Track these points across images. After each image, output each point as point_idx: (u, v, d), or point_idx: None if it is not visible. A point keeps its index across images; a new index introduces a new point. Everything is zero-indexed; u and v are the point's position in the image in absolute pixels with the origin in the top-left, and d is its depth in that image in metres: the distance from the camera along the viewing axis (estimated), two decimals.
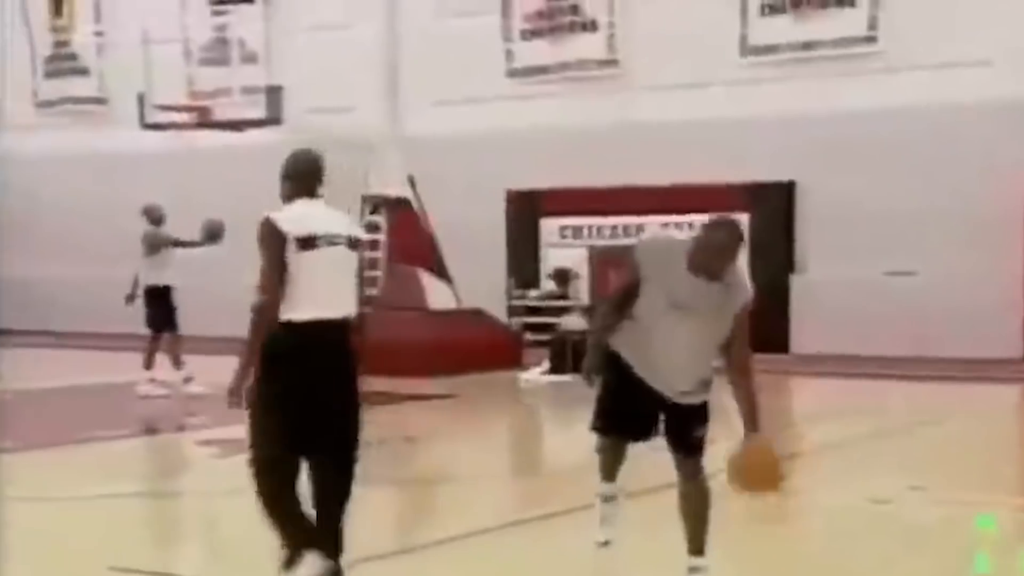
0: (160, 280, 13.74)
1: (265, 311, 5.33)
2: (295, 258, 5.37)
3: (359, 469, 5.61)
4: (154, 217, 13.91)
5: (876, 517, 7.67)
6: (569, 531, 7.16)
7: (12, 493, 7.84)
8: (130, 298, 13.81)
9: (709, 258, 5.65)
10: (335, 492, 5.52)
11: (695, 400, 5.79)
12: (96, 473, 9.23)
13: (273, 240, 5.37)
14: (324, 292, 5.42)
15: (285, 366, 5.33)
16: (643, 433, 5.95)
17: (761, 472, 5.63)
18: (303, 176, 5.70)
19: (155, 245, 13.67)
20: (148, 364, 13.66)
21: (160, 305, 13.72)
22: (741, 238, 5.77)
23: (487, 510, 8.03)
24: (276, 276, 5.33)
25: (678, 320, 5.65)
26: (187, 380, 13.55)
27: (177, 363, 13.71)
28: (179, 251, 13.79)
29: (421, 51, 20.55)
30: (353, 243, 5.66)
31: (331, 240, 5.52)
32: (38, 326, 22.17)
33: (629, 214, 19.03)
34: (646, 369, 5.80)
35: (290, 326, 5.34)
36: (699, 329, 5.67)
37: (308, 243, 5.41)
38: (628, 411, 5.90)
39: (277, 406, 5.36)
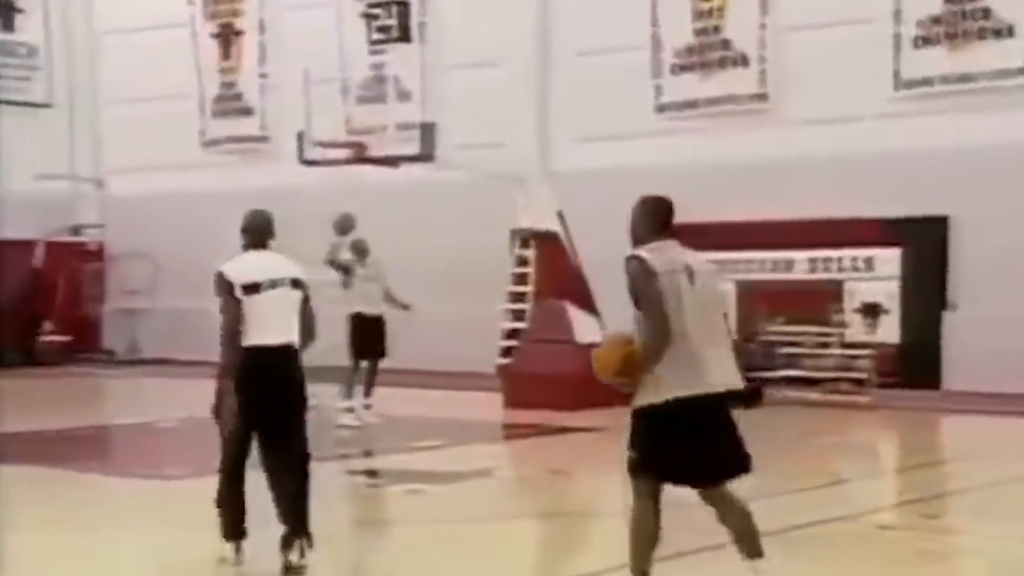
0: (351, 308, 13.90)
1: (229, 340, 6.75)
2: (243, 300, 6.77)
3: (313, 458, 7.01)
4: (343, 227, 13.99)
5: None
6: (715, 567, 7.02)
7: (160, 520, 8.02)
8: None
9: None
10: (288, 473, 6.86)
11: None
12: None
13: (222, 287, 6.82)
14: (266, 324, 6.77)
15: (240, 381, 6.74)
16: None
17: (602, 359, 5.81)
18: (255, 231, 7.10)
19: (331, 260, 13.76)
20: (355, 392, 13.83)
21: (352, 333, 13.85)
22: (642, 209, 6.05)
23: None
24: (233, 315, 6.75)
25: None
26: (366, 407, 13.76)
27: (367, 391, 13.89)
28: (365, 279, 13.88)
29: (570, 87, 20.65)
30: (295, 283, 6.98)
31: (273, 284, 6.87)
32: (204, 357, 22.69)
33: (778, 249, 18.75)
34: None
35: (242, 351, 6.76)
36: None
37: (251, 288, 6.81)
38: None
39: (238, 411, 6.74)
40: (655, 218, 5.99)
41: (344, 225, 14.00)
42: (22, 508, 9.19)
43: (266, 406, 6.82)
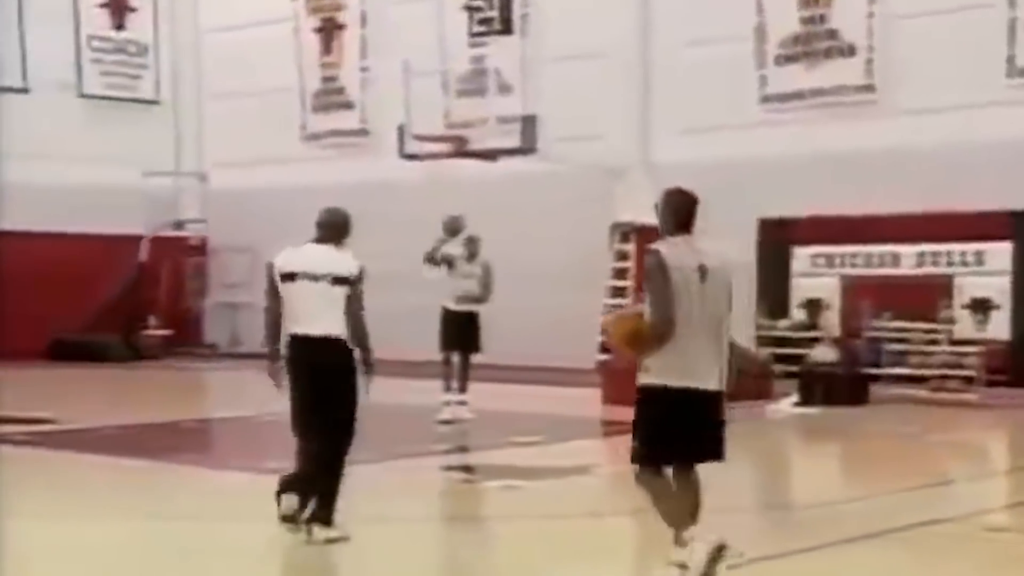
0: (444, 302, 14.02)
1: (267, 327, 7.55)
2: (282, 287, 7.38)
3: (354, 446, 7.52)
4: (452, 229, 14.07)
5: None
6: (813, 570, 6.93)
7: (257, 513, 8.11)
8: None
9: None
10: (323, 458, 7.39)
11: None
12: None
13: (268, 276, 7.45)
14: (302, 314, 7.31)
15: (287, 364, 7.44)
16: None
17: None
18: (326, 227, 7.49)
19: (431, 257, 13.84)
20: (451, 386, 13.97)
21: (440, 327, 13.99)
22: (665, 202, 6.39)
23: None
24: (269, 304, 7.47)
25: None
26: (461, 403, 13.83)
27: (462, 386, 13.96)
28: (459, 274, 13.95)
29: (672, 78, 20.50)
30: (337, 280, 7.35)
31: (311, 276, 7.32)
32: None
33: (884, 243, 18.45)
34: None
35: (288, 337, 7.42)
36: None
37: (288, 277, 7.37)
38: None
39: (290, 390, 7.48)
40: (677, 214, 6.30)
41: (453, 227, 14.06)
42: (120, 498, 9.41)
43: (303, 392, 7.37)
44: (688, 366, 6.13)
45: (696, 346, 6.15)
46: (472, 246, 14.06)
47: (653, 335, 6.09)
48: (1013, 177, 17.30)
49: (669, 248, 6.21)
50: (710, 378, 6.22)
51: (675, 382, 6.13)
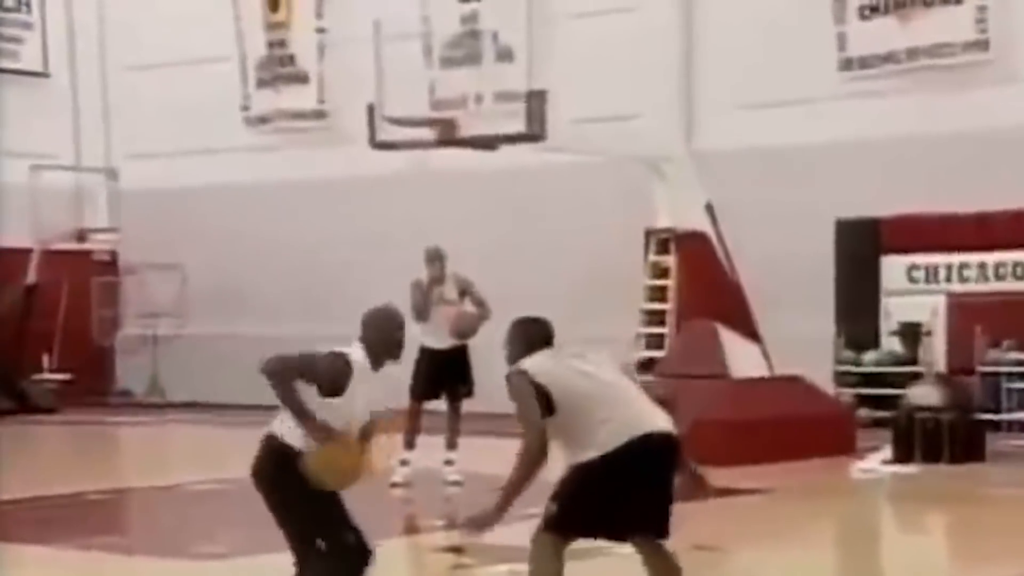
0: (423, 340, 14.08)
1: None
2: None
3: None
4: (435, 265, 14.17)
5: None
6: None
7: None
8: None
9: None
10: None
11: None
12: None
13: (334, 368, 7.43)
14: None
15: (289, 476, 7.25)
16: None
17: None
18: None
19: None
20: (415, 441, 14.16)
21: (416, 370, 14.10)
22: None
23: None
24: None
25: None
26: (447, 463, 13.96)
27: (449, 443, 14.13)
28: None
29: (724, 40, 20.60)
30: None
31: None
32: (245, 400, 22.96)
33: (1006, 249, 18.51)
34: None
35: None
36: None
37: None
38: None
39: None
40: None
41: (440, 266, 14.12)
42: None
43: (320, 509, 7.39)
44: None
45: None
46: (435, 264, 14.08)
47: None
48: None
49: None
50: None
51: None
